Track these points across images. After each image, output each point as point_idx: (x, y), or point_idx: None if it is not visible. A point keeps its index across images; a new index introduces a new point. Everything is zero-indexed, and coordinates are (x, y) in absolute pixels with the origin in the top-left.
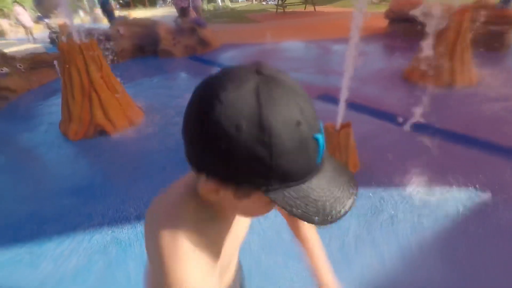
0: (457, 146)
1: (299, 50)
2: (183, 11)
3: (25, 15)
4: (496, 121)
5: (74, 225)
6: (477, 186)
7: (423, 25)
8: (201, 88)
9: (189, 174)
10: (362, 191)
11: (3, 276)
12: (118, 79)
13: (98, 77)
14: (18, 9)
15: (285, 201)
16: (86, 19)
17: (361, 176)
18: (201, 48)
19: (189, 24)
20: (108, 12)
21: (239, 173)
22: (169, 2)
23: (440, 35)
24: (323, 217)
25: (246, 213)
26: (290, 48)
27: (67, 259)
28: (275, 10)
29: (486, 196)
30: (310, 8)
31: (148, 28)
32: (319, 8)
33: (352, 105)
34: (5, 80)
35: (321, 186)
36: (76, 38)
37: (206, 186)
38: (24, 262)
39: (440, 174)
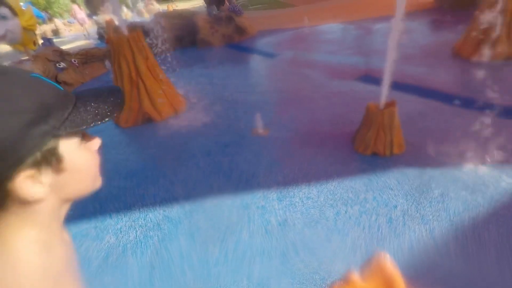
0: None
1: (338, 32)
2: (219, 1)
3: (82, 13)
4: None
5: (130, 204)
6: None
7: None
8: None
9: None
10: (407, 172)
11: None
12: (162, 69)
13: (145, 68)
14: (75, 7)
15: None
16: (129, 14)
17: (406, 157)
18: (238, 36)
19: (226, 13)
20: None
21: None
22: None
23: (494, 3)
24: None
25: (84, 179)
26: (328, 30)
27: (126, 234)
28: None
29: None
30: None
31: (187, 19)
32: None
33: (399, 85)
34: (63, 74)
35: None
36: (123, 31)
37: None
38: (91, 236)
39: (494, 152)
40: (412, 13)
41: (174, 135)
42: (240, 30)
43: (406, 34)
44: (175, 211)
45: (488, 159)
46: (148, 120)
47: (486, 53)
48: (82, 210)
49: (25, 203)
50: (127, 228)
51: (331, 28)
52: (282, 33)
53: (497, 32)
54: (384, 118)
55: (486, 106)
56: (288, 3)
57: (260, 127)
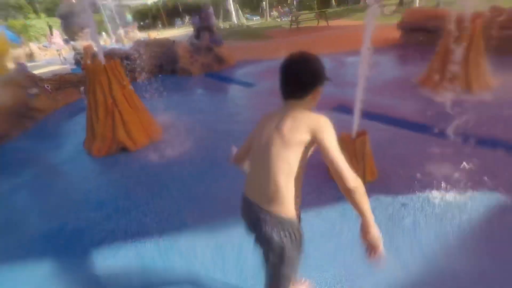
0: (477, 149)
1: None
2: (200, 30)
3: (58, 38)
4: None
5: (99, 240)
6: (498, 188)
7: (437, 34)
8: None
9: (291, 110)
10: (381, 199)
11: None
12: (139, 98)
13: (121, 96)
14: (55, 32)
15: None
16: (108, 40)
17: (379, 184)
18: (217, 65)
19: (206, 43)
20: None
21: (321, 82)
22: (187, 22)
23: (453, 42)
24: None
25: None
26: None
27: (93, 275)
28: (289, 26)
29: (508, 197)
30: (323, 23)
31: (167, 47)
32: (332, 23)
33: (369, 115)
34: (34, 101)
35: None
36: (100, 58)
37: (312, 98)
38: (55, 275)
39: (461, 178)
40: (381, 48)
41: (148, 165)
42: (219, 60)
43: (376, 67)
44: (148, 248)
45: (454, 186)
46: (122, 149)
47: (446, 85)
48: (40, 247)
49: (311, 100)
50: (94, 267)
51: None
52: (261, 64)
53: (455, 66)
54: (356, 147)
55: (449, 134)
56: (267, 35)
57: (231, 153)
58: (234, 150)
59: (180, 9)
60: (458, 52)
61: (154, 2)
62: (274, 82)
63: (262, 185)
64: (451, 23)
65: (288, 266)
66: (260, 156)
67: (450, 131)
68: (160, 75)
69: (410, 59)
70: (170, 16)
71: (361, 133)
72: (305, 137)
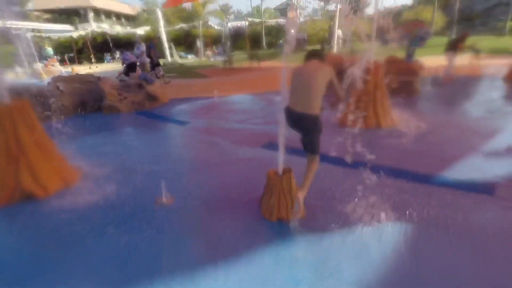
0: (388, 180)
1: (245, 102)
2: (130, 67)
3: None
4: (417, 154)
5: None
6: (410, 217)
7: (350, 77)
8: None
9: (315, 64)
10: (310, 236)
11: None
12: (56, 138)
13: (29, 140)
14: None
15: None
16: (22, 75)
17: (307, 222)
18: (149, 103)
19: (136, 80)
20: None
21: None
22: (117, 58)
23: (363, 86)
24: None
25: None
26: (238, 101)
27: None
28: (222, 65)
29: (417, 225)
30: (255, 63)
31: (92, 84)
32: (263, 64)
33: (296, 150)
34: None
35: None
36: (5, 98)
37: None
38: None
39: (382, 209)
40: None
41: (61, 213)
42: (151, 97)
43: None
44: None
45: (374, 219)
46: (29, 197)
47: (361, 122)
48: None
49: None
50: None
51: (240, 98)
52: (194, 102)
53: (365, 106)
54: (283, 184)
55: (366, 167)
56: (201, 74)
57: (164, 196)
58: (163, 188)
59: (111, 44)
60: (366, 94)
61: (80, 35)
62: (208, 120)
63: (304, 100)
64: (361, 69)
65: (318, 135)
66: (304, 86)
67: (365, 164)
68: (83, 114)
69: (331, 99)
70: (98, 50)
71: (287, 170)
72: (328, 78)
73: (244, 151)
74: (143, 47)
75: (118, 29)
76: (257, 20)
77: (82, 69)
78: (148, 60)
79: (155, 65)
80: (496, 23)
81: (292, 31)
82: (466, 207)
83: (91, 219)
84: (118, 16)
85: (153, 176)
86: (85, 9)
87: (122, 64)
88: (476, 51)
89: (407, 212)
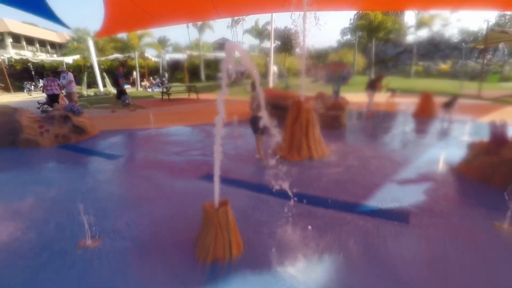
0: (322, 209)
1: (183, 134)
2: (53, 98)
3: None
4: (345, 183)
5: None
6: (344, 246)
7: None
8: None
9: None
10: (248, 277)
11: None
12: None
13: None
14: None
15: None
16: None
17: (245, 259)
18: (75, 136)
19: (61, 112)
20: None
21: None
22: (40, 87)
23: (295, 120)
24: None
25: None
26: (174, 132)
27: None
28: (160, 97)
29: (349, 256)
30: (194, 95)
31: (6, 115)
32: (202, 96)
33: (234, 181)
34: None
35: None
36: None
37: None
38: None
39: (313, 241)
40: (242, 121)
41: None
42: (79, 130)
43: (238, 138)
44: None
45: (305, 249)
46: None
47: (294, 154)
48: None
49: None
50: None
51: (178, 130)
52: (128, 134)
53: (298, 139)
54: (219, 218)
55: (302, 198)
56: (137, 105)
57: (88, 238)
58: (87, 228)
59: (33, 72)
60: (299, 127)
61: None
62: (142, 152)
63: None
64: (292, 104)
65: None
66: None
67: (299, 195)
68: None
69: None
70: (17, 79)
71: (223, 202)
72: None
73: (180, 183)
74: (70, 76)
75: (42, 57)
76: (195, 53)
77: None
78: (75, 89)
79: (121, 93)
80: (404, 66)
81: (231, 65)
82: (387, 236)
83: None
84: (43, 44)
85: (76, 216)
86: (2, 34)
87: (43, 91)
88: (392, 90)
89: (336, 243)
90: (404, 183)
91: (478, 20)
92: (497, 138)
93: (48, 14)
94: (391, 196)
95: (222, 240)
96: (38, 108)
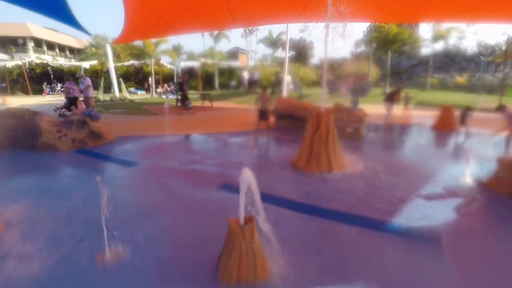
0: (346, 225)
1: (200, 142)
2: (72, 101)
3: None
4: (368, 197)
5: None
6: (374, 272)
7: (302, 121)
8: None
9: None
10: None
11: None
12: None
13: None
14: None
15: None
16: None
17: (271, 282)
18: (92, 141)
19: (79, 116)
20: None
21: None
22: (58, 91)
23: (315, 131)
24: None
25: None
26: (191, 140)
27: None
28: (174, 103)
29: (387, 280)
30: (208, 103)
31: (25, 119)
32: (215, 104)
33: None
34: None
35: None
36: None
37: None
38: None
39: (347, 263)
40: (259, 130)
41: None
42: (95, 135)
43: (255, 148)
44: None
45: (336, 274)
46: None
47: (314, 166)
48: None
49: None
50: None
51: (194, 138)
52: (143, 140)
53: (318, 150)
54: (245, 237)
55: (321, 212)
56: (152, 111)
57: (108, 252)
58: (106, 241)
59: (51, 76)
60: (318, 139)
61: (16, 65)
62: (158, 160)
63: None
64: (313, 115)
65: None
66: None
67: (323, 210)
68: (14, 151)
69: (284, 142)
70: (37, 82)
71: (248, 219)
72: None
73: (198, 193)
74: (88, 81)
75: (61, 61)
76: (209, 61)
77: (16, 101)
78: (93, 94)
79: (185, 98)
80: (419, 78)
81: (246, 73)
82: (420, 259)
83: (14, 276)
84: (62, 48)
85: (93, 226)
86: (24, 39)
87: (66, 97)
88: (407, 100)
89: (366, 266)
90: (431, 199)
91: (495, 33)
92: None
93: (70, 20)
94: (418, 213)
95: (247, 261)
96: (55, 111)
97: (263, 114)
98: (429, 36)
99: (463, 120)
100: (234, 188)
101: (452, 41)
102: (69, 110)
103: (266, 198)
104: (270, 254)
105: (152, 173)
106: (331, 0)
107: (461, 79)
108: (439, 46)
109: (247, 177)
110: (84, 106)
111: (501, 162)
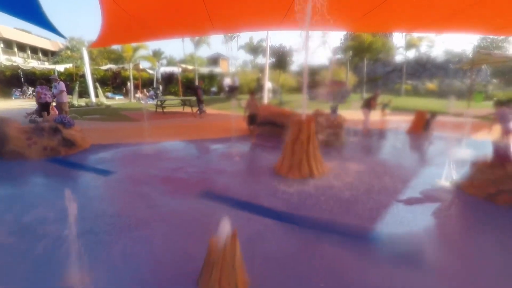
0: (329, 234)
1: (180, 149)
2: (44, 107)
3: None
4: (349, 203)
5: None
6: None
7: (283, 127)
8: None
9: None
10: None
11: None
12: None
13: None
14: None
15: None
16: None
17: None
18: (65, 149)
19: (51, 123)
20: None
21: None
22: (29, 94)
23: (296, 138)
24: None
25: None
26: (170, 148)
27: None
28: (154, 109)
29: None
30: (188, 109)
31: None
32: (196, 110)
33: (234, 202)
34: None
35: None
36: None
37: None
38: None
39: (332, 276)
40: (240, 136)
41: None
42: (69, 143)
43: (238, 156)
44: None
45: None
46: None
47: (296, 172)
48: None
49: None
50: None
51: (174, 145)
52: (120, 148)
53: (299, 157)
54: (226, 256)
55: (303, 221)
56: (130, 117)
57: (75, 275)
58: (74, 261)
59: (22, 79)
60: (300, 145)
61: None
62: (136, 168)
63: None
64: (293, 122)
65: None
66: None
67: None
68: None
69: (266, 148)
70: (7, 85)
71: (231, 235)
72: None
73: (177, 203)
74: (61, 85)
75: (33, 64)
76: (190, 67)
77: None
78: (67, 99)
79: (200, 102)
80: (394, 85)
81: (228, 79)
82: (399, 266)
83: None
84: (35, 50)
85: (62, 241)
86: None
87: (37, 102)
88: (384, 105)
89: (350, 278)
90: (409, 203)
91: (462, 42)
92: (501, 155)
93: (44, 22)
94: (399, 218)
95: (227, 279)
96: (26, 117)
97: (252, 119)
98: (402, 45)
99: (428, 125)
100: (215, 197)
101: (423, 49)
102: (41, 116)
103: (250, 207)
104: (251, 267)
105: (129, 182)
106: (310, 10)
107: (431, 85)
108: (411, 54)
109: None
110: (57, 112)
111: (475, 166)
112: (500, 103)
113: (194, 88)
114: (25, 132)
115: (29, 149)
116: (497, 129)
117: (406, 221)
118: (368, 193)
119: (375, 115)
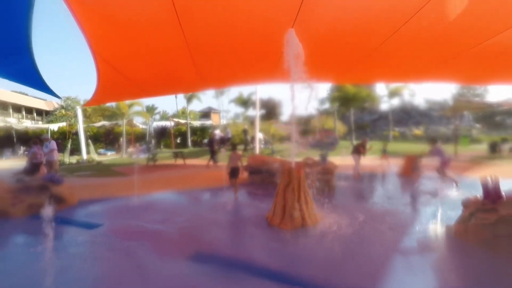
0: None
1: (170, 201)
2: (36, 167)
3: None
4: (343, 259)
5: None
6: None
7: (274, 176)
8: None
9: None
10: None
11: None
12: None
13: None
14: None
15: None
16: None
17: None
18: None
19: (39, 182)
20: None
21: None
22: (20, 154)
23: (287, 185)
24: None
25: None
26: (159, 199)
27: None
28: (145, 163)
29: None
30: (180, 161)
31: None
32: (188, 161)
33: (225, 262)
34: None
35: None
36: None
37: None
38: None
39: None
40: (231, 188)
41: None
42: (57, 199)
43: (229, 205)
44: None
45: None
46: None
47: (288, 223)
48: None
49: None
50: None
51: (165, 197)
52: (109, 203)
53: (291, 205)
54: None
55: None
56: (120, 172)
57: None
58: None
59: (15, 138)
60: (291, 194)
61: None
62: (123, 223)
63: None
64: (284, 170)
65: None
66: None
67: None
68: None
69: (258, 197)
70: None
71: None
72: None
73: (166, 266)
74: (52, 144)
75: (27, 124)
76: (182, 121)
77: None
78: (57, 157)
79: (214, 153)
80: (382, 131)
81: (219, 131)
82: None
83: None
84: (29, 111)
85: None
86: None
87: (30, 162)
88: (384, 151)
89: None
90: (406, 255)
91: (441, 90)
92: (491, 194)
93: (40, 85)
94: (398, 279)
95: None
96: (12, 177)
97: (234, 173)
98: (385, 93)
99: (417, 167)
100: (206, 259)
101: (406, 98)
102: (32, 175)
103: (243, 267)
104: None
105: (116, 238)
106: (294, 66)
107: (418, 131)
108: (395, 102)
109: None
110: (45, 171)
111: (466, 208)
112: (433, 141)
113: (209, 140)
114: (10, 192)
115: (14, 207)
116: (435, 163)
117: (405, 282)
118: (362, 245)
119: (364, 161)
